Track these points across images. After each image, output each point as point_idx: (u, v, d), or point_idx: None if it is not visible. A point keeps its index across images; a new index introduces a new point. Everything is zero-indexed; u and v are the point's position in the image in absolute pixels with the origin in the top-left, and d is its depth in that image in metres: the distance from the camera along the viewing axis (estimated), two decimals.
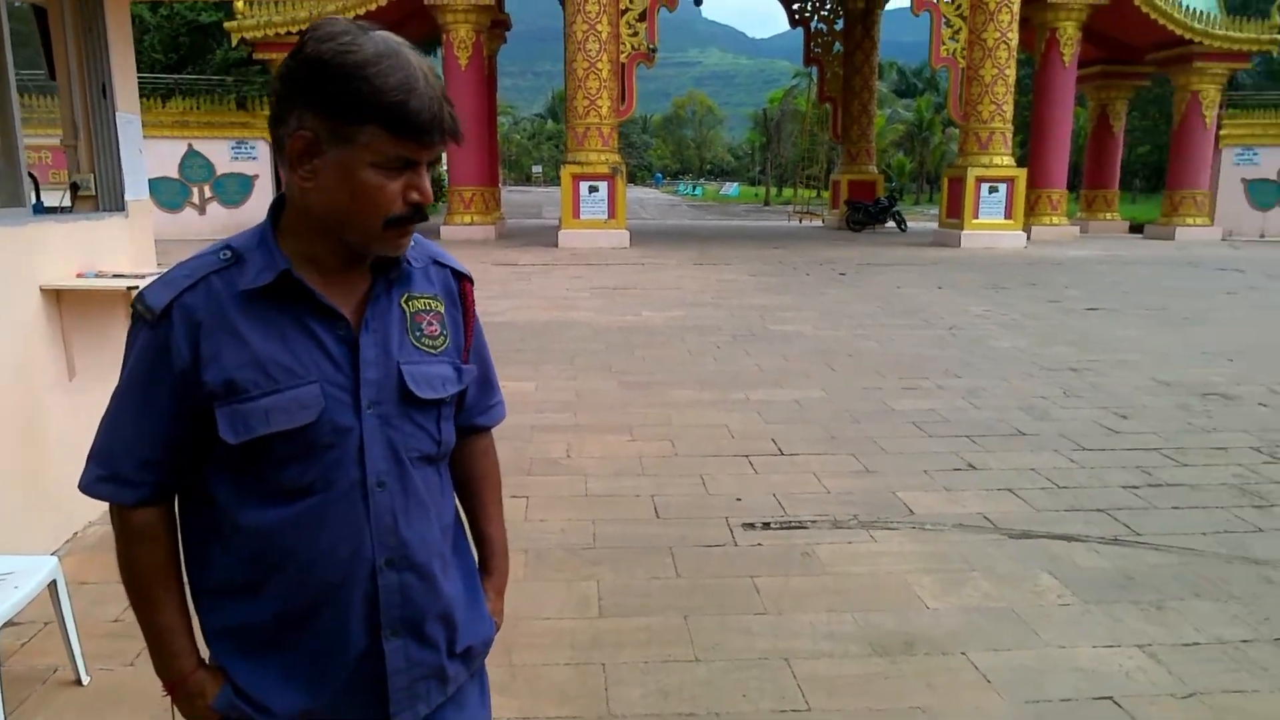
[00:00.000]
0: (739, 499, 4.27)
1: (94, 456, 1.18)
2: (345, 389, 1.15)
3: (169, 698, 1.24)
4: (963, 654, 2.91)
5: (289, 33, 19.51)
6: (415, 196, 1.11)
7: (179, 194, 20.83)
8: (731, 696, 2.66)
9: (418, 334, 1.22)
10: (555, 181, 23.17)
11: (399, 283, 1.22)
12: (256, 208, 21.09)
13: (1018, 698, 2.67)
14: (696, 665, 2.82)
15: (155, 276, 1.18)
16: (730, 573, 3.48)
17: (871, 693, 2.70)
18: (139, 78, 4.71)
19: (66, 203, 4.47)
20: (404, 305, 1.22)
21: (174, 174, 20.67)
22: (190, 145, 20.75)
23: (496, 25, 21.36)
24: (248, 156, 21.08)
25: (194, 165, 20.90)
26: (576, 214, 17.98)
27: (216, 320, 1.11)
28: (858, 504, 4.22)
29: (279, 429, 1.11)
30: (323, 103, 1.06)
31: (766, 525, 3.95)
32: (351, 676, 1.20)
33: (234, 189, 21.12)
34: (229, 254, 1.14)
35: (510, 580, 3.51)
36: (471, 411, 1.39)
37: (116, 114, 4.36)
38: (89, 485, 1.18)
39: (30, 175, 4.06)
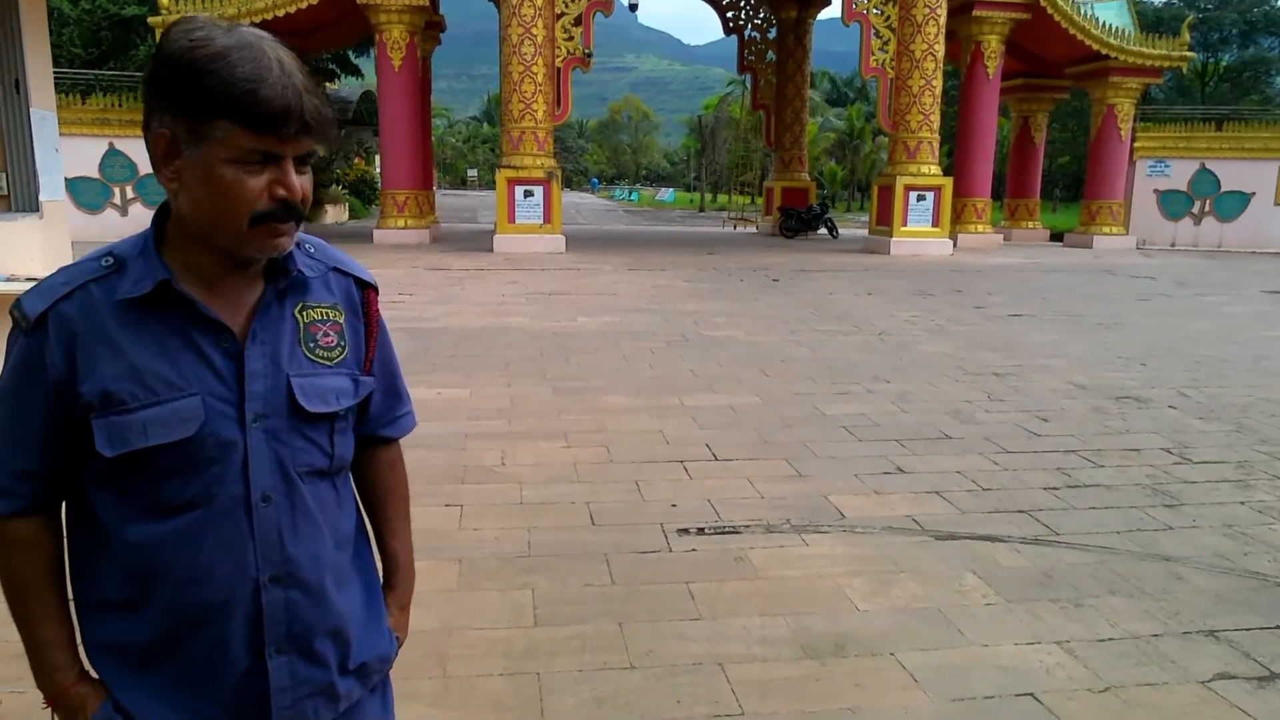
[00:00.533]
0: (674, 505, 4.29)
1: None
2: (229, 402, 1.12)
3: (48, 710, 1.22)
4: (891, 654, 2.97)
5: None
6: (281, 192, 1.07)
7: (100, 194, 20.08)
8: (666, 703, 2.67)
9: (311, 345, 1.19)
10: (491, 185, 23.03)
11: (292, 292, 1.20)
12: None
13: (943, 696, 2.74)
14: (631, 672, 2.83)
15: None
16: (665, 579, 3.50)
17: (804, 695, 2.74)
18: (56, 73, 4.55)
19: None
20: (297, 315, 1.19)
21: (94, 174, 19.91)
22: (112, 144, 20.01)
23: (431, 27, 21.11)
24: None
25: (116, 165, 20.16)
26: (512, 219, 17.86)
27: (93, 330, 1.08)
28: (790, 508, 4.28)
29: (157, 442, 1.09)
30: (177, 101, 1.04)
31: (701, 530, 3.98)
32: (235, 694, 1.18)
33: (157, 189, 20.44)
34: (110, 261, 1.11)
35: (444, 590, 3.48)
36: (376, 422, 1.36)
37: (30, 110, 4.19)
38: None
39: None
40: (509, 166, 17.87)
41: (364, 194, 33.65)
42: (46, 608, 1.18)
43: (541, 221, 17.92)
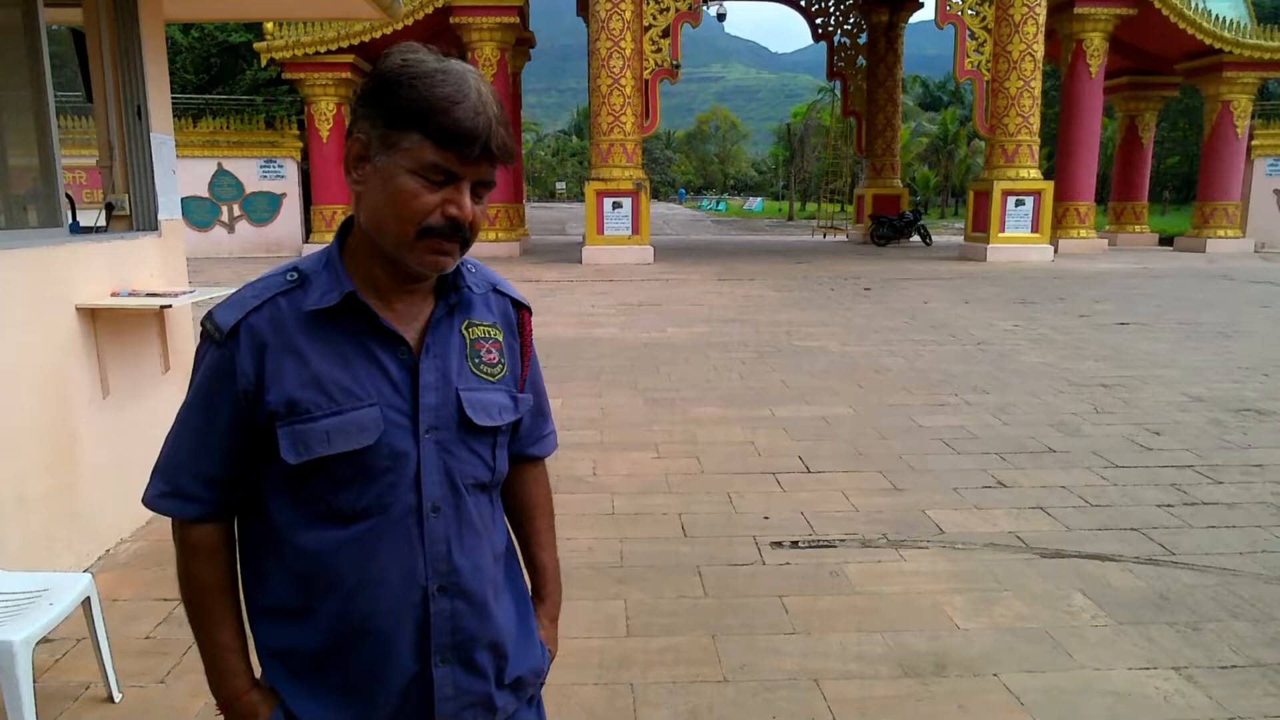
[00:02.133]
0: (766, 517, 4.24)
1: (158, 471, 1.20)
2: (404, 413, 1.16)
3: (221, 717, 1.25)
4: (994, 675, 2.87)
5: (317, 52, 19.82)
6: (453, 210, 1.10)
7: (209, 212, 21.17)
8: (761, 717, 2.64)
9: (477, 361, 1.22)
10: (579, 198, 23.27)
11: (460, 309, 1.23)
12: (284, 226, 21.39)
13: None
14: (725, 685, 2.80)
15: (220, 296, 1.25)
16: (758, 592, 3.46)
17: (902, 714, 2.66)
18: (172, 98, 4.80)
19: (101, 222, 4.56)
20: (464, 332, 1.23)
21: (204, 193, 21.01)
22: (220, 164, 21.09)
23: (521, 43, 21.56)
24: (276, 175, 21.39)
25: (223, 184, 21.24)
26: (600, 230, 18.05)
27: (281, 341, 1.13)
28: (886, 522, 4.18)
29: (338, 450, 1.12)
30: (377, 111, 1.09)
31: (794, 544, 3.93)
32: (399, 703, 1.20)
33: (262, 207, 21.43)
34: (295, 275, 1.16)
35: None
36: (525, 440, 1.39)
37: (151, 135, 4.44)
38: (152, 500, 1.20)
39: (67, 196, 4.14)
40: (597, 179, 18.07)
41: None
42: (224, 612, 1.21)
43: (630, 232, 18.05)
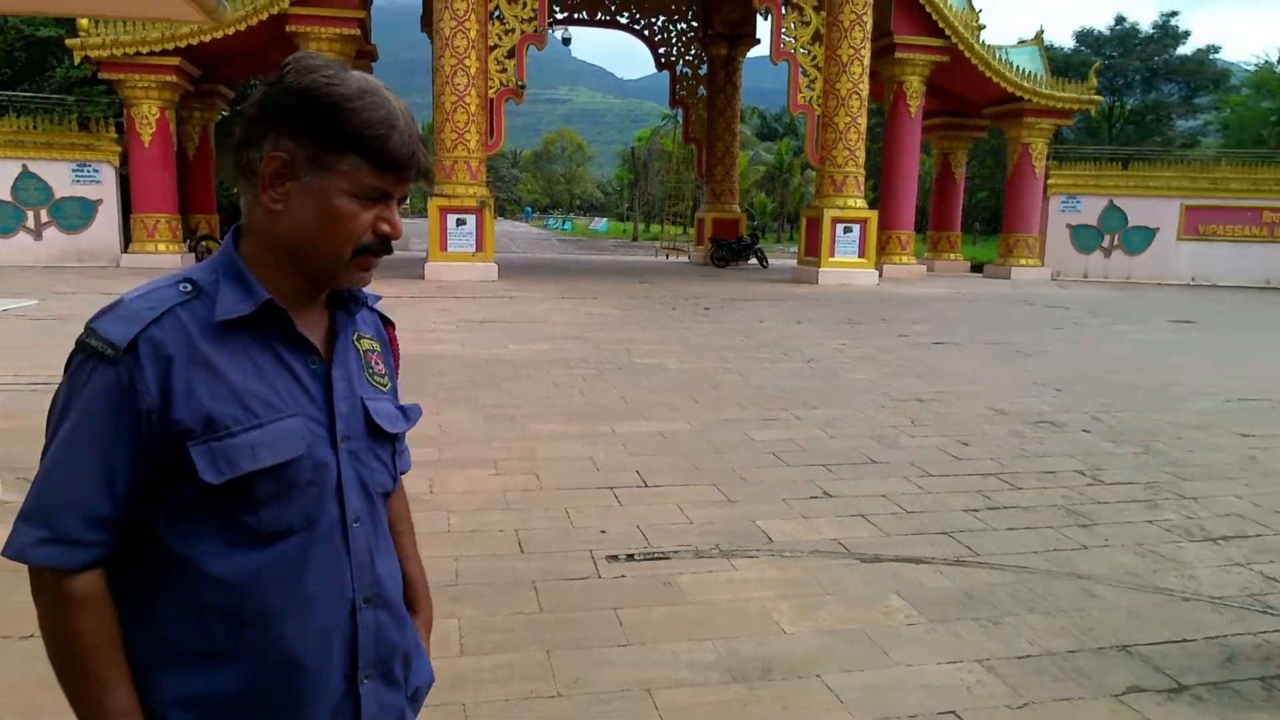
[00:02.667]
0: (603, 531, 4.27)
1: (29, 516, 1.05)
2: (321, 423, 1.14)
3: None
4: (817, 676, 3.00)
5: (139, 53, 18.55)
6: (385, 228, 1.12)
7: (12, 217, 19.28)
8: None
9: (370, 372, 1.24)
10: (423, 213, 22.83)
11: (350, 321, 1.24)
12: (99, 234, 19.78)
13: (868, 716, 2.77)
14: (559, 700, 2.79)
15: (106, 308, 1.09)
16: (594, 605, 3.48)
17: (730, 718, 2.74)
18: None
19: None
20: (356, 343, 1.24)
21: (6, 196, 19.16)
22: (25, 166, 19.27)
23: (362, 55, 20.96)
24: (90, 180, 19.74)
25: (29, 187, 19.40)
26: (444, 246, 17.74)
27: (188, 354, 1.05)
28: (719, 533, 4.30)
29: (266, 464, 1.07)
30: (305, 130, 1.08)
31: (630, 557, 3.97)
32: None
33: (74, 213, 19.72)
34: (189, 287, 1.10)
35: None
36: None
37: None
38: (24, 549, 1.04)
39: None
40: (441, 195, 17.77)
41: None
42: (119, 672, 1.07)
43: (474, 249, 17.84)
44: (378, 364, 1.26)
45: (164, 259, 19.40)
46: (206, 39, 18.35)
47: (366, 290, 1.30)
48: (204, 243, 21.10)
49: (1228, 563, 4.17)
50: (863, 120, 19.29)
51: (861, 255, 19.39)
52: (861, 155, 19.40)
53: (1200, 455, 6.07)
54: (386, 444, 1.24)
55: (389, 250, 1.15)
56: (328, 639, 1.13)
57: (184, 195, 20.88)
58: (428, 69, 18.75)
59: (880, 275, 20.03)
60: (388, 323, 1.36)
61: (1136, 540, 4.41)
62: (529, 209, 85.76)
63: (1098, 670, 3.10)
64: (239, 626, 1.08)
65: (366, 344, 1.26)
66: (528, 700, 2.79)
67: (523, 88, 18.67)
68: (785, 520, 4.52)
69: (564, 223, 67.15)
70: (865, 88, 19.19)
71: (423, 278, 17.35)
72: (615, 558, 3.95)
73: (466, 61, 17.53)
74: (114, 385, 1.03)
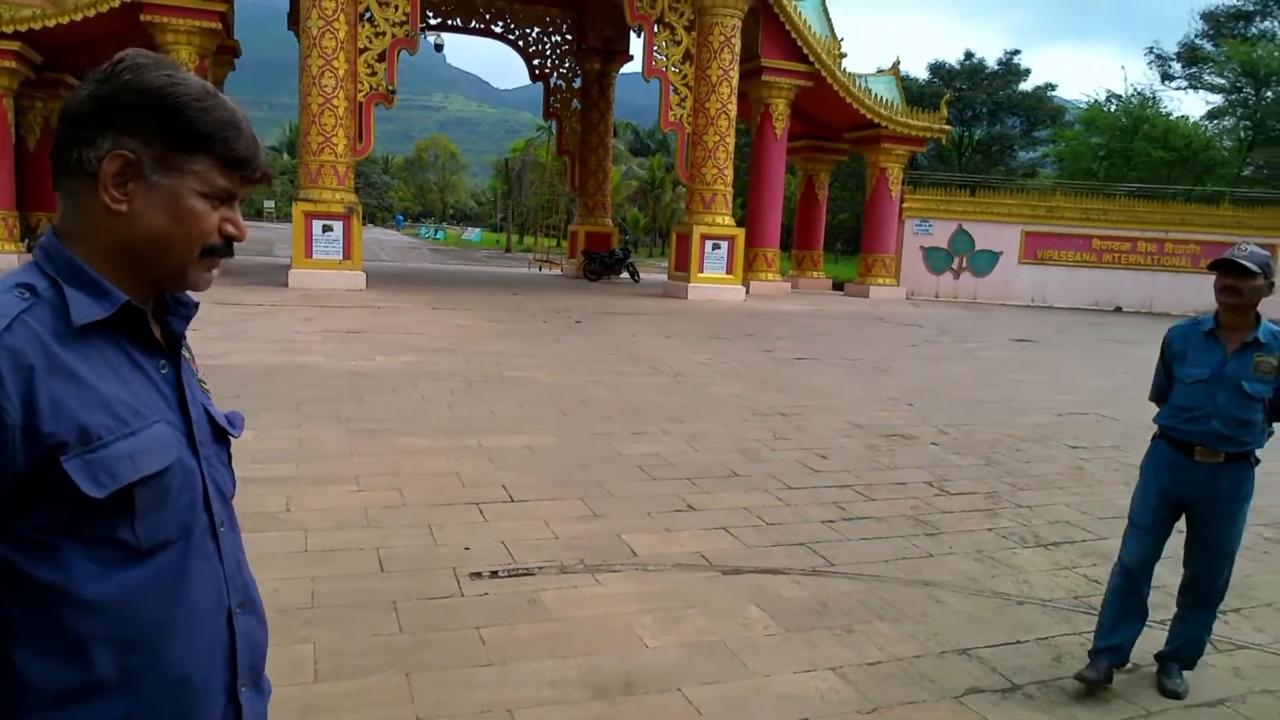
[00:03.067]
0: (467, 548, 4.21)
1: None
2: (180, 429, 1.11)
3: None
4: (678, 690, 3.05)
5: None
6: (230, 229, 1.12)
7: None
8: None
9: (198, 378, 1.23)
10: (288, 218, 21.93)
11: (183, 326, 1.21)
12: None
13: None
14: None
15: None
16: (455, 625, 3.42)
17: None
18: None
19: None
20: (183, 350, 1.22)
21: None
22: None
23: (224, 51, 20.04)
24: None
25: None
26: (309, 253, 17.08)
27: (47, 363, 0.98)
28: (584, 548, 4.31)
29: (146, 472, 1.02)
30: (151, 129, 1.05)
31: (494, 574, 3.93)
32: None
33: None
34: (25, 292, 1.02)
35: None
36: None
37: None
38: None
39: None
40: (306, 200, 17.13)
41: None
42: None
43: (341, 257, 17.26)
44: (198, 369, 1.25)
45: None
46: (51, 24, 17.12)
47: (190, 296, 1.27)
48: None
49: (1056, 567, 4.50)
50: (731, 139, 19.81)
51: (729, 271, 19.88)
52: (730, 174, 19.92)
53: (1035, 465, 6.52)
54: (225, 449, 1.23)
55: (231, 252, 1.15)
56: (211, 649, 1.11)
57: (22, 190, 19.35)
58: (294, 69, 18.05)
59: (747, 291, 20.58)
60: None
61: (977, 547, 4.69)
62: (400, 217, 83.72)
63: (940, 673, 3.28)
64: (124, 651, 1.02)
65: (188, 351, 1.24)
66: None
67: (393, 92, 18.24)
68: (650, 534, 4.57)
69: (436, 232, 65.84)
70: (734, 108, 19.73)
71: (286, 285, 16.67)
72: (479, 575, 3.90)
73: (335, 63, 17.00)
74: None
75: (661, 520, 4.79)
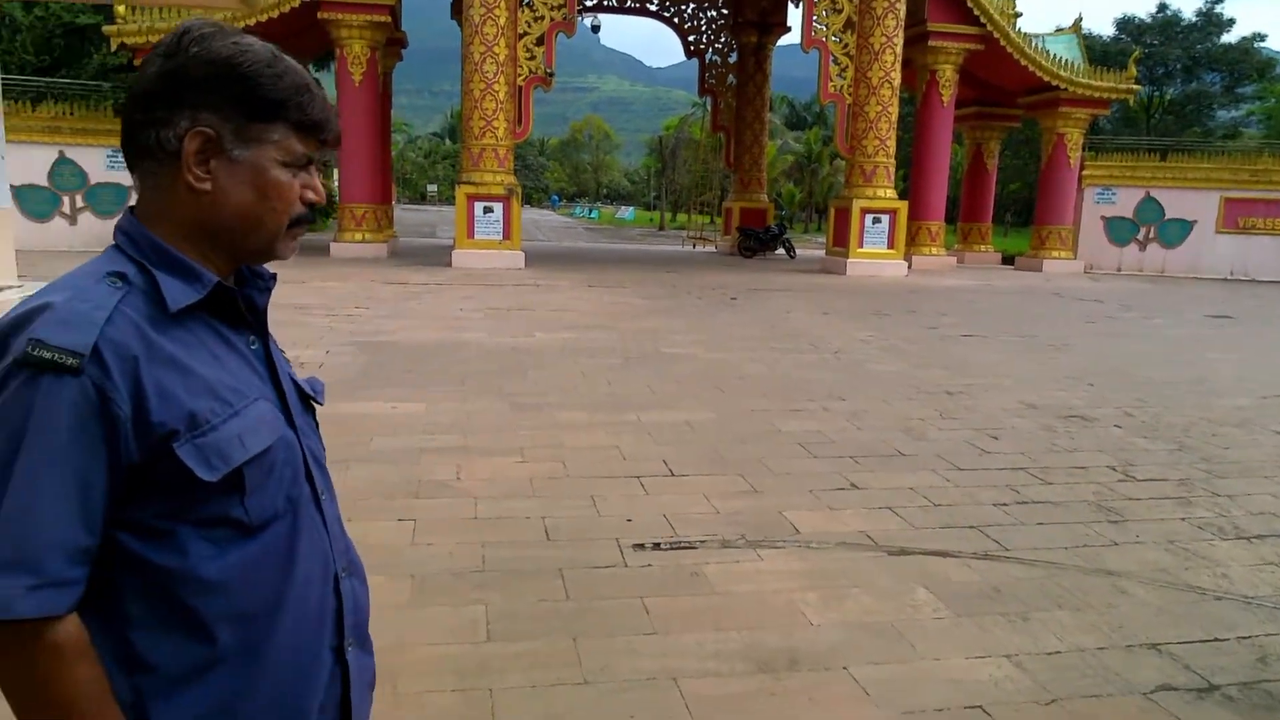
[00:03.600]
0: (629, 520, 4.28)
1: (7, 566, 0.91)
2: (275, 402, 1.12)
3: None
4: (844, 668, 2.99)
5: None
6: (311, 195, 1.11)
7: (48, 203, 19.57)
8: (619, 718, 2.66)
9: (278, 344, 1.22)
10: (450, 201, 22.93)
11: (264, 298, 1.20)
12: None
13: (894, 709, 2.76)
14: (584, 688, 2.81)
15: (34, 314, 0.96)
16: (619, 594, 3.49)
17: (756, 710, 2.74)
18: (4, 79, 4.44)
19: None
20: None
21: (43, 181, 19.43)
22: (62, 152, 19.55)
23: (392, 43, 21.06)
24: (124, 167, 19.85)
25: (65, 173, 19.67)
26: (471, 234, 17.80)
27: (149, 352, 0.97)
28: (745, 523, 4.29)
29: (253, 453, 1.03)
30: (227, 102, 1.02)
31: (656, 546, 3.98)
32: (323, 706, 1.13)
33: (109, 200, 19.97)
34: (117, 280, 1.01)
35: (395, 606, 3.45)
36: None
37: None
38: (11, 603, 0.90)
39: None
40: (469, 182, 17.82)
41: (321, 207, 33.27)
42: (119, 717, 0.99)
43: (500, 237, 17.88)
44: (276, 339, 1.25)
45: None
46: (240, 25, 18.49)
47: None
48: None
49: (1261, 562, 4.11)
50: (894, 109, 19.08)
51: (890, 246, 19.23)
52: (892, 145, 19.20)
53: (1235, 452, 5.97)
54: (313, 416, 1.23)
55: (314, 219, 1.15)
56: (322, 617, 1.13)
57: None
58: (456, 57, 18.77)
59: (909, 267, 19.85)
60: None
61: (1168, 537, 4.35)
62: (555, 197, 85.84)
63: (1127, 668, 3.07)
64: (242, 625, 1.03)
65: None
66: (554, 688, 2.80)
67: (551, 75, 18.65)
68: (812, 511, 4.50)
69: (590, 211, 67.12)
70: (897, 76, 18.98)
71: (449, 265, 17.44)
72: (641, 546, 3.96)
73: (495, 49, 17.54)
74: (80, 398, 0.93)
75: (824, 498, 4.71)
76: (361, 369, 7.60)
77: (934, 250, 21.75)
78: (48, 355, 0.92)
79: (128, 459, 0.96)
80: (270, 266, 1.20)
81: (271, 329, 1.20)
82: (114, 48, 19.75)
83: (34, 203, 19.02)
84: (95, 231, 19.78)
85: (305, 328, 9.56)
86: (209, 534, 1.02)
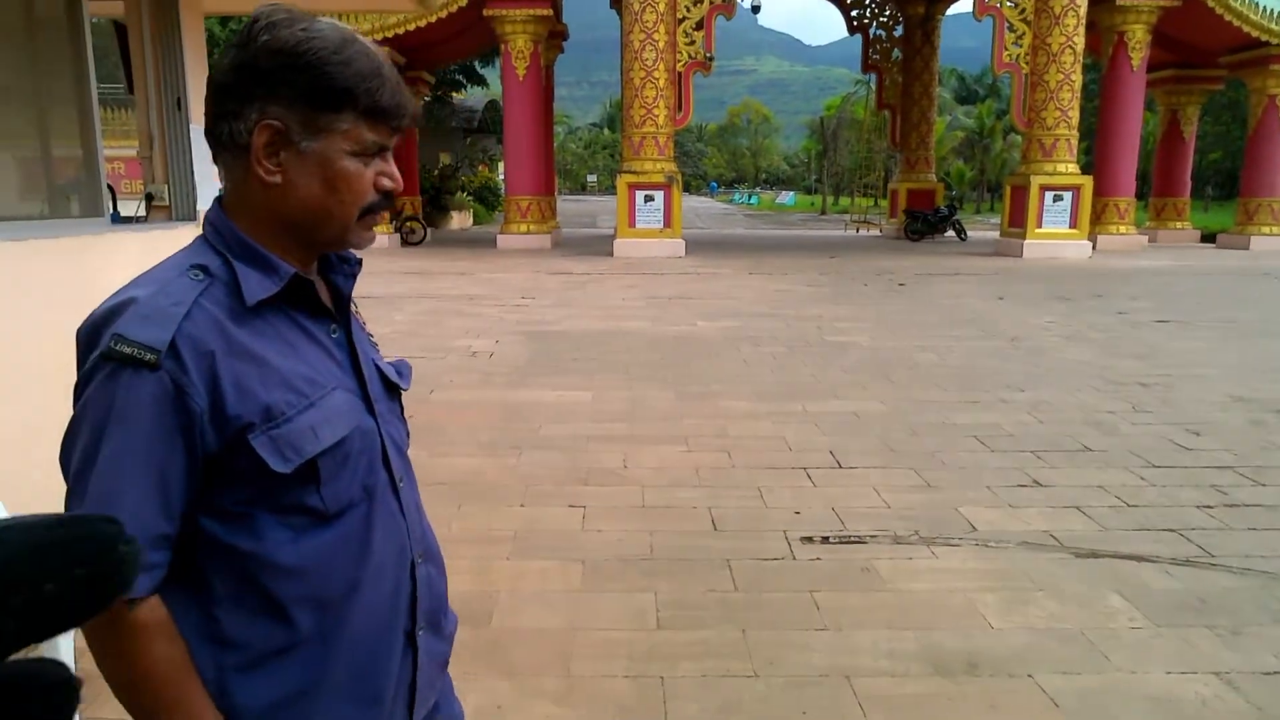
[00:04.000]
0: (797, 512, 4.22)
1: None
2: (355, 391, 1.11)
3: None
4: (1029, 676, 2.83)
5: None
6: (387, 183, 1.08)
7: None
8: (791, 714, 2.63)
9: (365, 331, 1.22)
10: (610, 190, 23.34)
11: (349, 285, 1.21)
12: None
13: None
14: (755, 681, 2.79)
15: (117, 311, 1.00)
16: (788, 587, 3.45)
17: (933, 714, 2.64)
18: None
19: (141, 212, 4.63)
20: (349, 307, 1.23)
21: None
22: None
23: (554, 35, 21.59)
24: None
25: None
26: (632, 223, 18.05)
27: (226, 346, 1.00)
28: (918, 519, 4.14)
29: (327, 444, 1.04)
30: (294, 92, 1.01)
31: (825, 539, 3.90)
32: (396, 688, 1.17)
33: None
34: (199, 273, 1.03)
35: (567, 590, 3.55)
36: None
37: (190, 126, 4.50)
38: None
39: (108, 186, 4.21)
40: (629, 171, 18.06)
41: (488, 200, 34.68)
42: (201, 694, 1.02)
43: (661, 226, 18.03)
44: (365, 324, 1.24)
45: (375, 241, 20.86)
46: (411, 27, 19.47)
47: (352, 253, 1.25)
48: (408, 223, 22.51)
49: None
50: (1076, 77, 17.84)
51: (1073, 225, 18.02)
52: (1075, 116, 17.97)
53: None
54: (397, 401, 1.22)
55: (391, 205, 1.12)
56: (396, 602, 1.14)
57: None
58: (614, 46, 19.06)
59: (1094, 247, 18.55)
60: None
61: None
62: (714, 184, 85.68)
63: None
64: (318, 610, 1.06)
65: (353, 306, 1.23)
66: (724, 679, 2.81)
67: (711, 59, 18.58)
68: (990, 509, 4.29)
69: (750, 197, 66.57)
70: (1081, 41, 17.72)
71: (611, 254, 17.74)
72: (810, 539, 3.90)
73: (655, 35, 17.65)
74: (159, 392, 0.96)
75: (1003, 494, 4.47)
76: (530, 357, 7.85)
77: (1122, 229, 20.22)
78: (128, 350, 0.95)
79: (205, 450, 0.99)
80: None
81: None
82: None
83: None
84: None
85: (477, 318, 9.98)
86: (286, 521, 1.04)
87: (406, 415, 1.27)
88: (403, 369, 1.25)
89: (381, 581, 1.11)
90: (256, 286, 1.03)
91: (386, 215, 19.48)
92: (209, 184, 4.73)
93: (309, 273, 1.11)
